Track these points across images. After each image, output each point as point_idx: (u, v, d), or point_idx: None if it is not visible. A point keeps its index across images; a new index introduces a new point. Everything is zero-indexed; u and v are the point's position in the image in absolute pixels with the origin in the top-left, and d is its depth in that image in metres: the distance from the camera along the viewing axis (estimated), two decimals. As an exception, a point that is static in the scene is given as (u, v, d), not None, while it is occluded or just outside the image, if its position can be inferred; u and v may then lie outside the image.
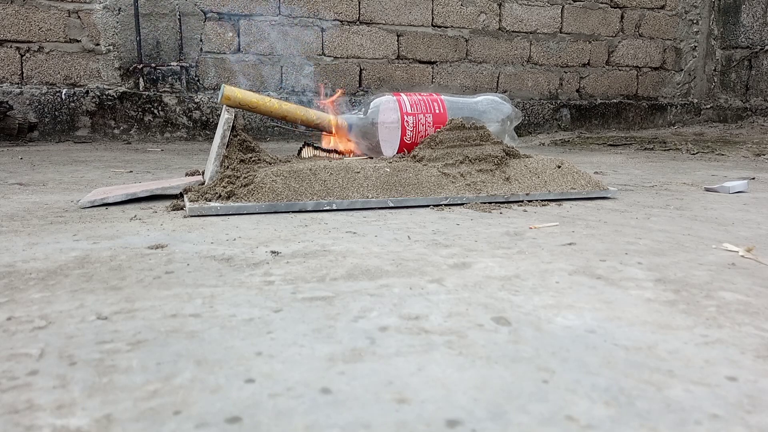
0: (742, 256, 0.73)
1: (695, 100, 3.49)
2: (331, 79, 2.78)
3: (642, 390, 0.39)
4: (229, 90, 1.12)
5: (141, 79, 2.51)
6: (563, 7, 3.13)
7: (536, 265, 0.69)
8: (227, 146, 1.07)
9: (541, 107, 3.14)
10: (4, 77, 2.36)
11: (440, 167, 1.11)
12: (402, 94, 1.26)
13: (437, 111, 1.24)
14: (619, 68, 3.29)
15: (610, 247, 0.77)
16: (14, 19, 2.35)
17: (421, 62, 2.92)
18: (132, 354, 0.44)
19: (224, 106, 1.12)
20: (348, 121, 1.24)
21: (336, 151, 1.28)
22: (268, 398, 0.38)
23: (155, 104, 2.54)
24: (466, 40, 2.99)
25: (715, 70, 3.40)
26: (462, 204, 1.06)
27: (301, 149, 1.29)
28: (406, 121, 1.22)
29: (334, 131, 1.24)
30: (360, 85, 2.84)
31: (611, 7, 3.22)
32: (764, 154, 2.11)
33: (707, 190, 1.29)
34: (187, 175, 1.25)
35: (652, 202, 1.14)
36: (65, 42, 2.43)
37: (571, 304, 0.55)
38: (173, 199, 1.08)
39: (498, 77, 3.06)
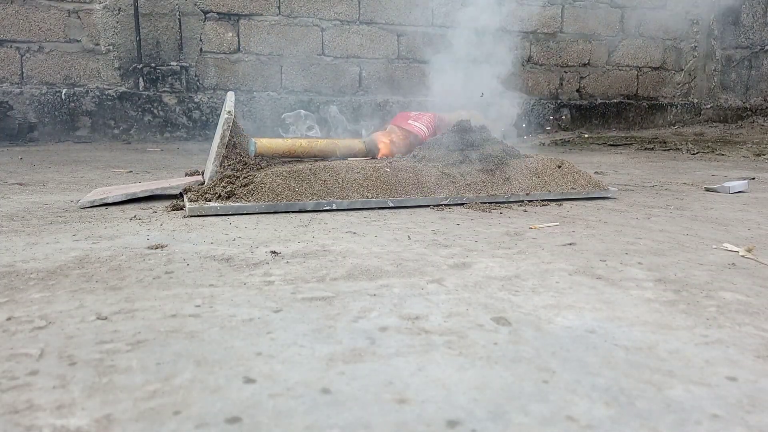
0: (742, 256, 0.73)
1: (695, 100, 3.49)
2: (331, 78, 2.78)
3: (642, 390, 0.39)
4: (260, 145, 1.13)
5: (141, 79, 2.51)
6: (563, 6, 3.13)
7: (536, 265, 0.69)
8: (227, 146, 1.07)
9: (541, 107, 3.14)
10: (4, 77, 2.36)
11: (440, 167, 1.11)
12: (413, 121, 1.27)
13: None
14: (620, 68, 3.29)
15: (611, 247, 0.77)
16: (14, 19, 2.35)
17: (421, 62, 2.92)
18: (132, 354, 0.44)
19: (224, 106, 1.12)
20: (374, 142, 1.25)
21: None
22: (268, 398, 0.38)
23: (155, 104, 2.54)
24: (466, 40, 2.99)
25: (715, 70, 3.40)
26: (462, 204, 1.06)
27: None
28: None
29: (371, 154, 1.25)
30: (360, 85, 2.84)
31: (611, 7, 3.22)
32: (764, 154, 2.11)
33: (707, 190, 1.29)
34: (186, 175, 1.25)
35: (653, 202, 1.14)
36: (65, 42, 2.43)
37: (571, 305, 0.55)
38: (173, 199, 1.08)
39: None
